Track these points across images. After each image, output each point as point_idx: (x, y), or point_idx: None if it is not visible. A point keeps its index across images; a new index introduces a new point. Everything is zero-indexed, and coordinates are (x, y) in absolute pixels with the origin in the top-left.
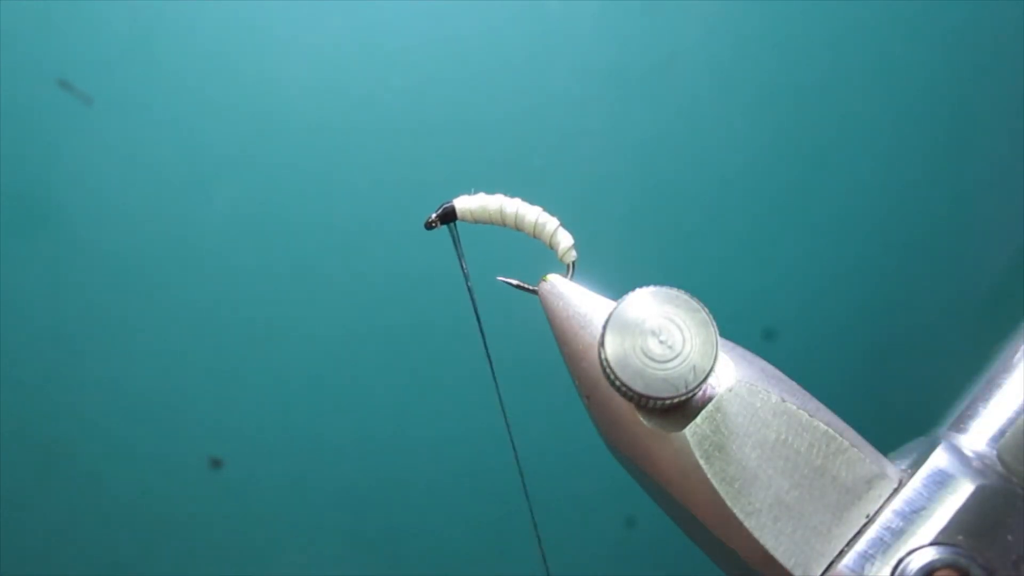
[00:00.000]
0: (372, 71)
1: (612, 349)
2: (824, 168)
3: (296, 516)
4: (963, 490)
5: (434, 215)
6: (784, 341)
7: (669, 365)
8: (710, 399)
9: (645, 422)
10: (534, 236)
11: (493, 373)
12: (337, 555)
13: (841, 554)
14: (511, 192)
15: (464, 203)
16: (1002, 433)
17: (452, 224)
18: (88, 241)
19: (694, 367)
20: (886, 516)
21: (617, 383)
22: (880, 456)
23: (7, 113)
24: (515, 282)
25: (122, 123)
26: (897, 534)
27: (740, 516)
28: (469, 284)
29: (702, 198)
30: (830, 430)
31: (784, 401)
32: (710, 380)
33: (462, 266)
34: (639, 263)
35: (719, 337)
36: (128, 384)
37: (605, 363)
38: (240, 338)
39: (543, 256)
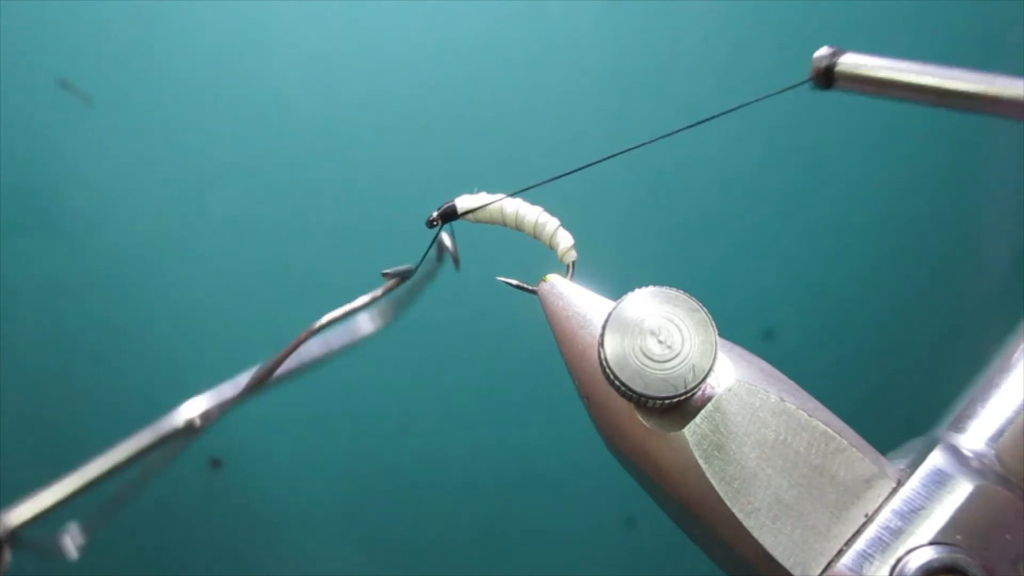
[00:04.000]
0: (372, 72)
1: (611, 349)
2: (824, 168)
3: (296, 516)
4: (962, 490)
5: (436, 213)
6: (784, 341)
7: (668, 365)
8: (709, 399)
9: (644, 422)
10: (534, 236)
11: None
12: (336, 554)
13: (840, 553)
14: (511, 192)
15: (465, 202)
16: (1001, 433)
17: (442, 225)
18: (88, 240)
19: (693, 367)
20: (885, 515)
21: (616, 383)
22: (879, 456)
23: (7, 113)
24: (515, 282)
25: (122, 123)
26: (896, 533)
27: (739, 515)
28: (416, 269)
29: (702, 198)
30: (829, 430)
31: (783, 401)
32: (709, 380)
33: (423, 263)
34: (639, 263)
35: (718, 337)
36: (127, 384)
37: (604, 363)
38: (240, 337)
39: (543, 256)
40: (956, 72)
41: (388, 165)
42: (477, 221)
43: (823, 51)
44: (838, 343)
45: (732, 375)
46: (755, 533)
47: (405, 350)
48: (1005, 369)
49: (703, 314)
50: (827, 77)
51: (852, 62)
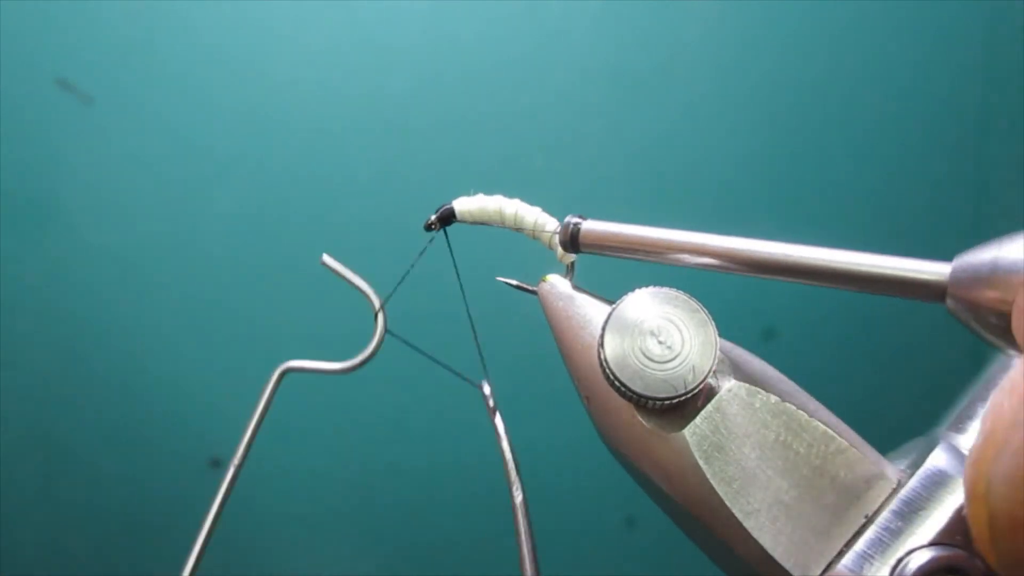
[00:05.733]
0: (372, 71)
1: (611, 349)
2: (823, 167)
3: (296, 517)
4: (962, 490)
5: (433, 216)
6: (784, 341)
7: (668, 365)
8: (709, 400)
9: (644, 422)
10: (533, 237)
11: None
12: (337, 554)
13: (840, 554)
14: (511, 192)
15: (463, 204)
16: None
17: (440, 228)
18: (88, 240)
19: (693, 367)
20: (885, 516)
21: (616, 383)
22: (879, 456)
23: (7, 113)
24: (515, 283)
25: (122, 123)
26: (896, 534)
27: (739, 516)
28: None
29: (701, 198)
30: (829, 430)
31: (783, 401)
32: (709, 380)
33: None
34: (639, 263)
35: (718, 337)
36: (129, 384)
37: (604, 363)
38: (241, 337)
39: (543, 257)
40: (684, 235)
41: (388, 164)
42: (476, 223)
43: (569, 218)
44: (838, 343)
45: (732, 376)
46: (755, 534)
47: (403, 351)
48: (1005, 369)
49: (703, 314)
50: (574, 243)
51: (588, 228)
